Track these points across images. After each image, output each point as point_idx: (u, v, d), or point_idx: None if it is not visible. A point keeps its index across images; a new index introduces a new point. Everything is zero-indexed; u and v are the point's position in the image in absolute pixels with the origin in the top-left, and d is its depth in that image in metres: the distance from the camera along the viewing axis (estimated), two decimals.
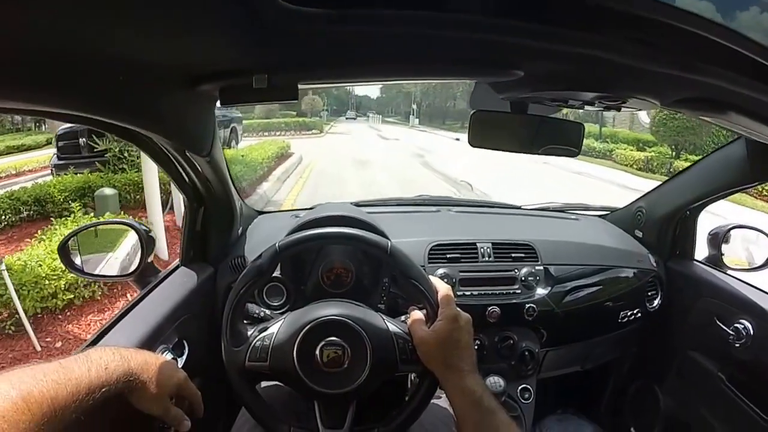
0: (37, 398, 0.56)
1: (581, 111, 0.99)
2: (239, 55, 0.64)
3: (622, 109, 0.86)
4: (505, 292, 1.38)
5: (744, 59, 0.51)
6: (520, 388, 1.44)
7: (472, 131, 0.92)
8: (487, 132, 0.93)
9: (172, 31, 0.53)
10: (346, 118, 63.02)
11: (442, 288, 0.90)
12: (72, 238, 1.24)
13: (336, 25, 0.53)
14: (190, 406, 0.88)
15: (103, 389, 0.67)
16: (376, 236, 0.94)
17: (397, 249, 0.92)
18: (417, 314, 0.90)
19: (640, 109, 0.93)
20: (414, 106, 39.69)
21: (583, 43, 0.57)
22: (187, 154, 0.99)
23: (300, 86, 0.71)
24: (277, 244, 0.92)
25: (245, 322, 0.96)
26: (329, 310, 0.90)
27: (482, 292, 1.37)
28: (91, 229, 1.31)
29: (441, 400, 1.25)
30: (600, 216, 1.89)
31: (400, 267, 0.92)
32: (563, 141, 0.95)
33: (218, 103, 0.83)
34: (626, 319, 1.51)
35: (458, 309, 0.88)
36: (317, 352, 0.86)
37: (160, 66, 0.65)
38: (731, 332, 1.33)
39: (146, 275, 1.23)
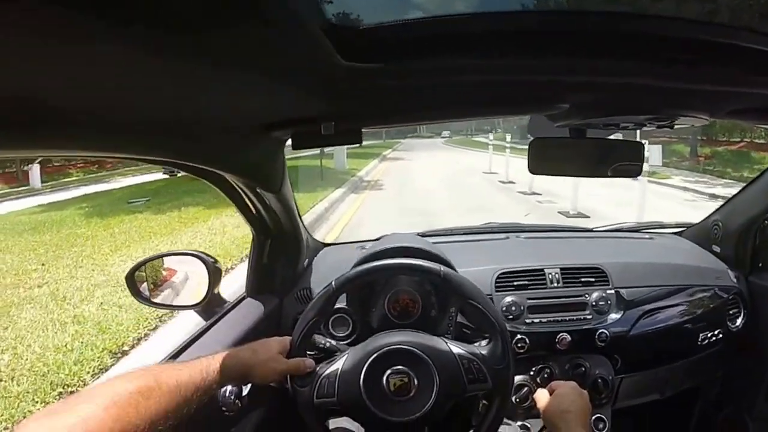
0: (165, 380, 0.71)
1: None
2: (309, 106, 0.73)
3: (675, 126, 0.90)
4: (575, 318, 1.38)
5: None
6: (594, 418, 1.40)
7: (532, 159, 0.97)
8: (549, 158, 0.98)
9: (246, 88, 0.63)
10: (441, 136, 53.94)
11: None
12: (140, 268, 1.32)
13: (394, 79, 0.60)
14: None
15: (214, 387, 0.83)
16: (429, 263, 0.99)
17: (450, 272, 0.98)
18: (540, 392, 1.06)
19: (692, 125, 0.96)
20: None
21: (625, 72, 0.62)
22: (258, 190, 1.08)
23: (364, 129, 0.82)
24: (333, 283, 0.99)
25: (312, 353, 1.02)
26: (391, 338, 0.95)
27: (552, 319, 1.37)
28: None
29: (509, 428, 1.27)
30: (676, 233, 1.86)
31: (457, 290, 0.97)
32: (626, 161, 0.98)
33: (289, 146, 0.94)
34: (706, 341, 1.47)
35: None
36: (384, 381, 0.91)
37: (237, 118, 0.76)
38: None
39: (213, 305, 1.30)
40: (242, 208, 1.18)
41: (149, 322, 3.77)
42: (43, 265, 5.93)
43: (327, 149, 15.88)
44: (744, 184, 1.62)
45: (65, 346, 3.49)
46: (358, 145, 0.88)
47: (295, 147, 0.85)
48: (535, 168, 0.97)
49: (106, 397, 0.61)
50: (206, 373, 0.80)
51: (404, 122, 0.87)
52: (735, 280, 1.54)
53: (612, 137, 1.03)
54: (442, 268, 0.98)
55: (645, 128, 0.94)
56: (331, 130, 0.76)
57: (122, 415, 0.61)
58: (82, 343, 3.51)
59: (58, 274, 5.51)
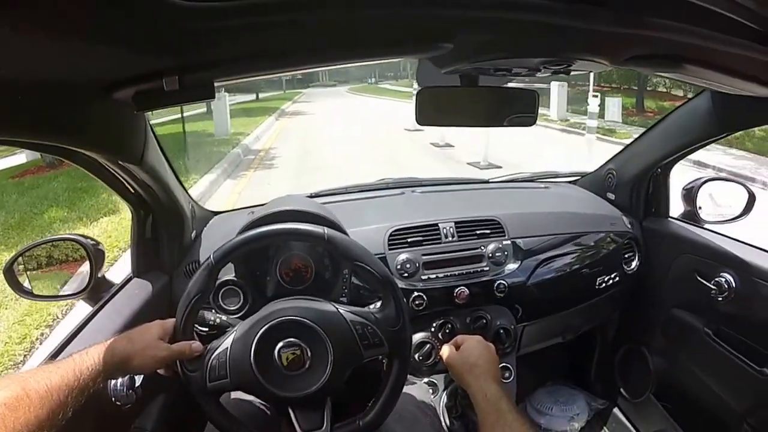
0: (34, 386, 0.67)
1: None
2: (144, 58, 0.64)
3: (572, 72, 0.88)
4: (472, 270, 1.39)
5: (695, 9, 0.52)
6: (499, 367, 1.44)
7: (419, 109, 0.93)
8: (436, 108, 0.95)
9: (67, 41, 0.52)
10: (368, 82, 50.58)
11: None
12: (18, 259, 1.21)
13: (240, 16, 0.52)
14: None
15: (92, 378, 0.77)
16: (312, 226, 0.96)
17: (335, 234, 0.95)
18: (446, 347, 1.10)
19: (591, 71, 0.94)
20: None
21: (515, 6, 0.57)
22: (121, 163, 0.99)
23: (217, 83, 0.71)
24: (211, 256, 0.94)
25: (204, 331, 0.97)
26: (278, 309, 0.92)
27: (448, 274, 1.38)
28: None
29: (414, 386, 1.27)
30: (571, 182, 1.93)
31: (343, 252, 0.95)
32: (518, 111, 0.98)
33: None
34: (604, 284, 1.55)
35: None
36: (275, 357, 0.88)
37: (66, 78, 0.65)
38: (713, 287, 1.36)
39: (100, 291, 1.22)
40: (112, 183, 1.09)
41: None
42: None
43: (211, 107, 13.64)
44: None
45: None
46: (254, 98, 0.74)
47: (139, 109, 0.75)
48: (423, 119, 0.94)
49: None
50: (79, 371, 0.75)
51: (260, 71, 0.76)
52: (629, 226, 1.63)
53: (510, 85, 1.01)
54: (326, 230, 0.95)
55: (541, 75, 0.90)
56: (175, 84, 0.65)
57: None
58: None
59: None
